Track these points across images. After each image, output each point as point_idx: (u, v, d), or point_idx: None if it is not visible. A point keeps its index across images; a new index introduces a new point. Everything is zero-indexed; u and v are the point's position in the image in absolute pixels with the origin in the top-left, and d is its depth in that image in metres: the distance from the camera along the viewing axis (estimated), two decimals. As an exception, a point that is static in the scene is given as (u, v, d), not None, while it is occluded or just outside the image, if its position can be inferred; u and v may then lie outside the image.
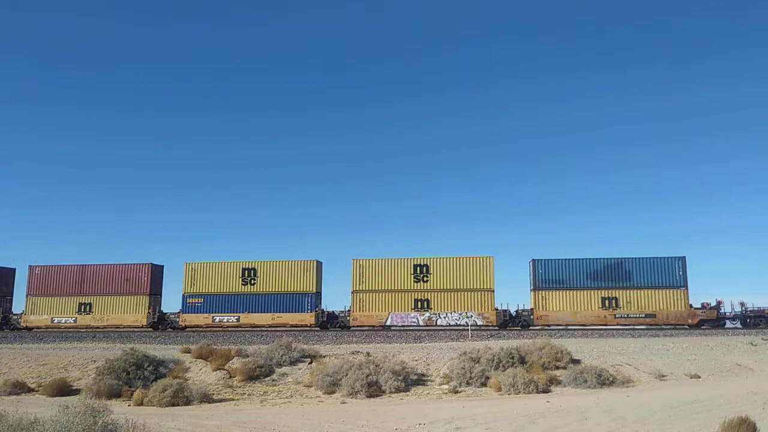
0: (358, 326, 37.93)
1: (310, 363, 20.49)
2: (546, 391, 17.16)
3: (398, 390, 17.65)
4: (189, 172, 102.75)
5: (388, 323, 37.56)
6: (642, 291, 36.11)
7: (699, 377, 18.67)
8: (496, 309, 37.17)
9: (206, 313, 39.50)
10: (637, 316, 35.81)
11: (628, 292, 36.20)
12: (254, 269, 39.96)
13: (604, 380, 17.64)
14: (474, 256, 38.24)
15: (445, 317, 37.29)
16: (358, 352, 21.60)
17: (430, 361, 20.37)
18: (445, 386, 18.07)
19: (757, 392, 14.75)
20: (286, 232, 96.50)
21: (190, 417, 13.98)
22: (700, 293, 55.59)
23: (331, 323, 38.67)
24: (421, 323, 37.28)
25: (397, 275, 38.10)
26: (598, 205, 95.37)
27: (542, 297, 36.67)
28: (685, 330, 33.93)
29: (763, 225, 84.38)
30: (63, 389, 18.24)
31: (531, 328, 36.34)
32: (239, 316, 39.25)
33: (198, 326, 39.39)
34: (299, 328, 37.90)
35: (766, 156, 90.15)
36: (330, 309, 39.35)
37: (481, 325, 36.94)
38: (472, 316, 36.95)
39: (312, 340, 27.78)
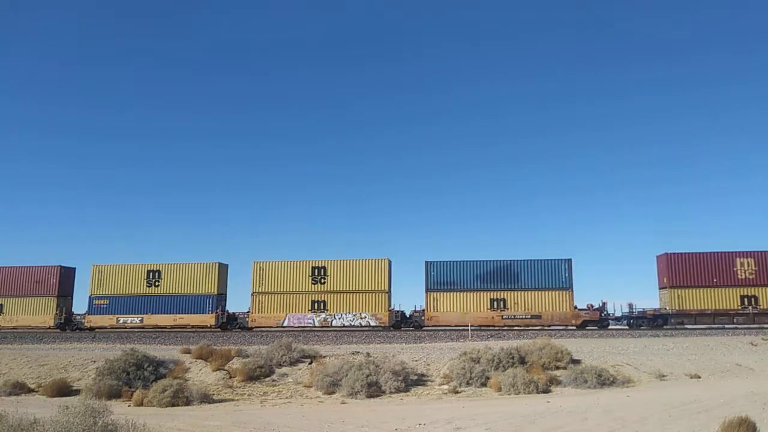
0: (257, 327, 39.08)
1: (310, 363, 20.50)
2: (546, 391, 17.16)
3: (398, 390, 17.65)
4: (100, 171, 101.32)
5: (285, 324, 38.70)
6: (529, 292, 37.16)
7: (699, 377, 18.67)
8: (390, 310, 38.20)
9: (111, 314, 40.77)
10: (524, 317, 36.94)
11: (515, 293, 37.22)
12: (158, 271, 41.17)
13: (604, 380, 17.64)
14: (370, 258, 39.21)
15: (339, 318, 38.50)
16: (358, 352, 21.61)
17: (430, 361, 20.37)
18: (445, 386, 18.07)
19: (757, 392, 14.74)
20: (194, 233, 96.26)
21: (190, 417, 13.97)
22: (592, 294, 58.37)
23: (231, 324, 39.82)
24: (316, 324, 38.45)
25: (295, 277, 39.28)
26: (497, 210, 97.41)
27: (434, 298, 37.70)
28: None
29: (649, 228, 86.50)
30: (63, 390, 18.22)
31: (424, 328, 37.35)
32: (143, 317, 40.54)
33: (103, 327, 40.58)
34: (200, 329, 38.91)
35: (641, 164, 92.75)
36: (235, 310, 40.63)
37: (374, 326, 38.02)
38: (365, 317, 38.23)
39: (312, 341, 27.80)
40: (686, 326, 35.01)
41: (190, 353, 21.60)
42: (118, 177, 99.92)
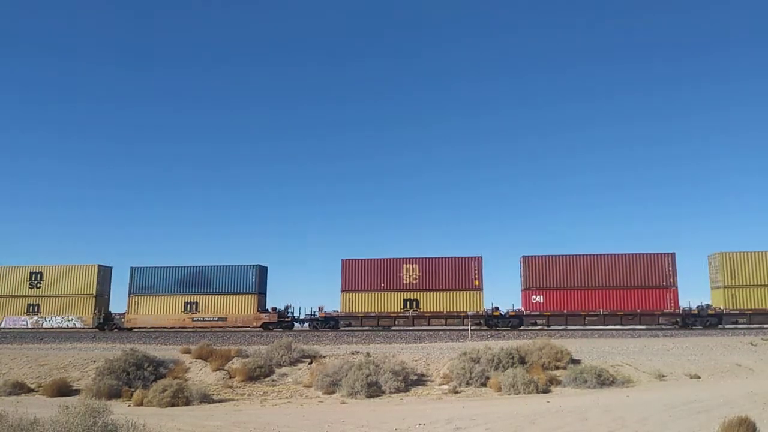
0: None
1: (310, 363, 20.50)
2: (546, 391, 17.17)
3: (398, 390, 17.65)
4: None
5: (2, 326, 42.00)
6: (219, 296, 40.20)
7: (699, 377, 18.67)
8: (95, 312, 41.42)
9: None
10: (211, 319, 39.89)
11: (207, 297, 40.25)
12: None
13: (604, 380, 17.64)
14: (81, 264, 42.55)
15: (50, 320, 41.99)
16: (358, 352, 21.61)
17: (430, 361, 20.37)
18: (445, 386, 18.07)
19: (757, 392, 14.74)
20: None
21: (190, 417, 13.98)
22: (295, 298, 64.48)
23: None
24: (29, 326, 41.86)
25: (14, 282, 42.65)
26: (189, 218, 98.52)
27: (136, 302, 40.88)
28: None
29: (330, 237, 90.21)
30: (63, 389, 18.23)
31: (133, 330, 39.97)
32: None
33: None
34: None
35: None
36: None
37: (80, 327, 41.31)
38: (72, 319, 41.76)
39: (312, 341, 27.80)
40: (354, 328, 37.51)
41: (190, 353, 21.60)
42: None
